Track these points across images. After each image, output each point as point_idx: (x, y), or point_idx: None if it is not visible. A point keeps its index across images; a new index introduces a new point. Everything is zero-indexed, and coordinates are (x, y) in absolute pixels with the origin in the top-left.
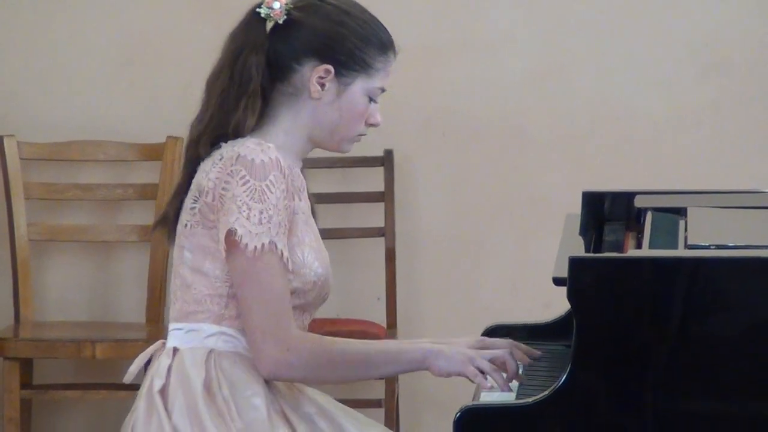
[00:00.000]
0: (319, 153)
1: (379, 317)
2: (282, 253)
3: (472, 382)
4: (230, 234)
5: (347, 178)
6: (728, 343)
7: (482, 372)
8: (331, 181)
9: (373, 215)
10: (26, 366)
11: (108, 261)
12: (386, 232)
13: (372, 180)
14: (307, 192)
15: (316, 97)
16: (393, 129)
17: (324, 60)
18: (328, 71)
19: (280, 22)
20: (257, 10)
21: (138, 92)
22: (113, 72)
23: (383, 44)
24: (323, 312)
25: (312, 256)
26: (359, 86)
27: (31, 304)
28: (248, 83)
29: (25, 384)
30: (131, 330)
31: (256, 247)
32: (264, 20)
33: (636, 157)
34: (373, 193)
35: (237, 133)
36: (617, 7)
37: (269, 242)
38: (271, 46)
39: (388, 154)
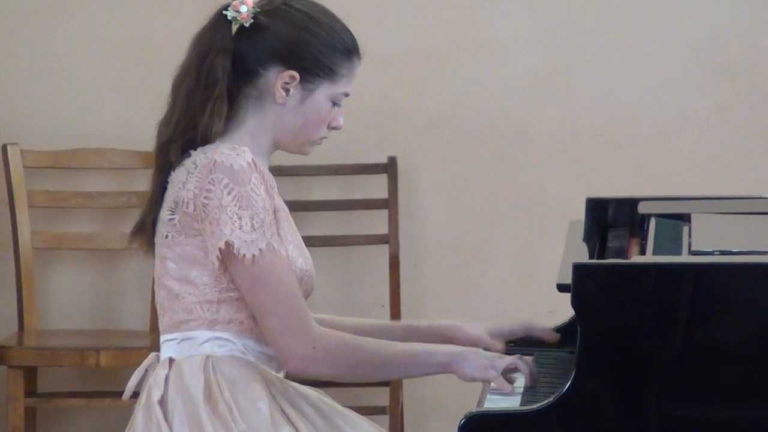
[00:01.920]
0: (322, 160)
1: None
2: (281, 252)
3: (494, 385)
4: (229, 247)
5: (351, 185)
6: (733, 349)
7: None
8: (334, 188)
9: (376, 222)
10: (30, 374)
11: (112, 269)
12: (390, 239)
13: (376, 187)
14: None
15: (281, 102)
16: (396, 135)
17: (289, 66)
18: (293, 77)
19: (247, 25)
20: (224, 12)
21: (142, 100)
22: (117, 80)
23: (348, 50)
24: None
25: (295, 252)
26: (323, 92)
27: (35, 313)
28: (214, 86)
29: (30, 392)
30: (135, 338)
31: (254, 254)
32: (230, 22)
33: (640, 161)
34: (377, 200)
35: (205, 138)
36: (621, 10)
37: (266, 245)
38: (236, 49)
39: (392, 160)
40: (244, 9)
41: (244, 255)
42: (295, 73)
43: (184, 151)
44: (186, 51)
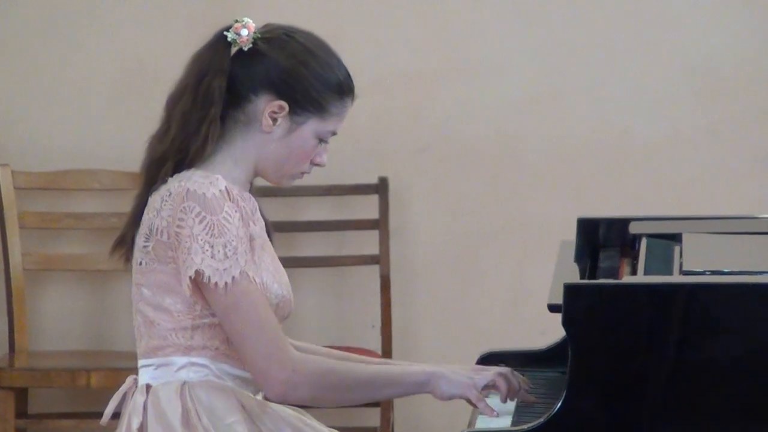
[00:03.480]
0: (313, 180)
1: (374, 345)
2: (254, 280)
3: (474, 406)
4: (199, 275)
5: (342, 205)
6: (724, 369)
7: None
8: (325, 209)
9: (367, 243)
10: (21, 395)
11: (103, 290)
12: (381, 260)
13: (367, 207)
14: (261, 212)
15: (267, 131)
16: (387, 156)
17: (280, 96)
18: (282, 107)
19: (245, 49)
20: (225, 33)
21: (133, 121)
22: (108, 100)
23: (342, 90)
24: (317, 340)
25: (270, 278)
26: (311, 127)
27: (27, 334)
28: (210, 107)
29: (21, 413)
30: (126, 359)
31: (226, 282)
32: (230, 44)
33: (632, 181)
34: (368, 220)
35: (193, 161)
36: (613, 31)
37: (240, 273)
38: (231, 72)
39: (383, 181)
40: (244, 33)
41: (216, 283)
42: (285, 104)
43: (175, 170)
44: (184, 68)
